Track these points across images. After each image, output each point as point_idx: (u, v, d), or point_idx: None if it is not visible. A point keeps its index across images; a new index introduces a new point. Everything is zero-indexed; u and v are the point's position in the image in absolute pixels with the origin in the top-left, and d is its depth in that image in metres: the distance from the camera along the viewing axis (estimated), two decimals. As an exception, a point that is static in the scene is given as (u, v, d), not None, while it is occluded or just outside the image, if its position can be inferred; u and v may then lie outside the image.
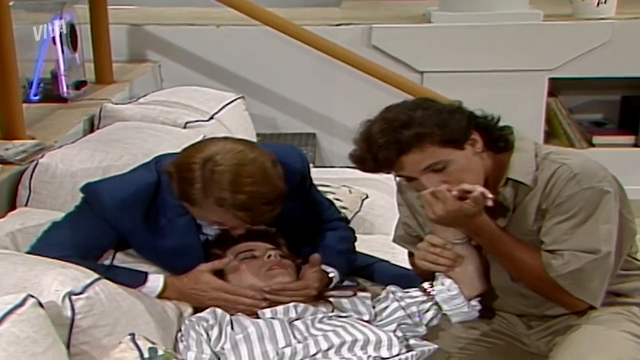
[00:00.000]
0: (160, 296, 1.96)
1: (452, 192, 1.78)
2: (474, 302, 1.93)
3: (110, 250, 2.03)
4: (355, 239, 2.27)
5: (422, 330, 1.94)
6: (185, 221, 2.01)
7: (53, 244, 1.93)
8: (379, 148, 1.78)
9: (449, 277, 1.92)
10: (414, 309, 1.94)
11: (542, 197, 1.85)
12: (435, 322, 1.96)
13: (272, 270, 2.00)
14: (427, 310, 1.94)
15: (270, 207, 1.88)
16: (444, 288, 1.92)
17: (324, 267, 2.08)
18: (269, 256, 2.02)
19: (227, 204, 1.85)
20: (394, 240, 2.18)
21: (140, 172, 2.08)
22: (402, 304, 1.96)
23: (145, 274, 1.98)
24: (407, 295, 1.97)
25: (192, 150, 1.94)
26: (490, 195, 1.78)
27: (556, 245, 1.82)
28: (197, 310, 1.99)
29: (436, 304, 1.94)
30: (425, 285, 1.96)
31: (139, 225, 1.99)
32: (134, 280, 1.95)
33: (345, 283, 2.16)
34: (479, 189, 1.79)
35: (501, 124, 1.92)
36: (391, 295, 1.99)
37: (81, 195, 2.06)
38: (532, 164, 1.87)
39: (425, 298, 1.94)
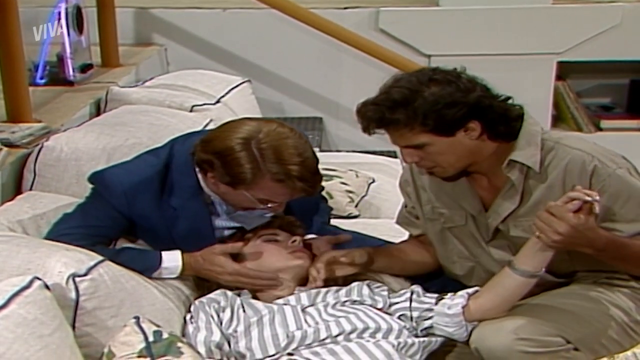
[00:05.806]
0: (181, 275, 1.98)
1: (567, 206, 1.71)
2: (469, 326, 1.89)
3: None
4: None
5: (419, 333, 1.92)
6: (198, 204, 2.02)
7: (63, 234, 1.93)
8: (367, 114, 1.84)
9: (463, 298, 1.89)
10: (415, 313, 1.93)
11: (567, 189, 1.80)
12: (436, 332, 1.93)
13: (295, 253, 2.02)
14: (427, 319, 1.92)
15: (319, 176, 1.94)
16: (447, 303, 1.90)
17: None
18: (294, 241, 2.04)
19: (285, 178, 1.87)
20: (397, 222, 2.21)
21: (147, 156, 2.08)
22: (413, 305, 1.94)
23: (159, 253, 1.97)
24: (420, 299, 1.95)
25: (225, 133, 1.93)
26: (597, 198, 1.71)
27: (637, 227, 1.83)
28: (203, 293, 2.00)
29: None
30: (447, 295, 1.94)
31: (152, 209, 1.99)
32: (149, 262, 1.95)
33: None
34: (583, 195, 1.71)
35: (513, 106, 1.91)
36: (408, 294, 1.97)
37: (90, 185, 2.06)
38: (538, 148, 1.86)
39: (432, 307, 1.92)
